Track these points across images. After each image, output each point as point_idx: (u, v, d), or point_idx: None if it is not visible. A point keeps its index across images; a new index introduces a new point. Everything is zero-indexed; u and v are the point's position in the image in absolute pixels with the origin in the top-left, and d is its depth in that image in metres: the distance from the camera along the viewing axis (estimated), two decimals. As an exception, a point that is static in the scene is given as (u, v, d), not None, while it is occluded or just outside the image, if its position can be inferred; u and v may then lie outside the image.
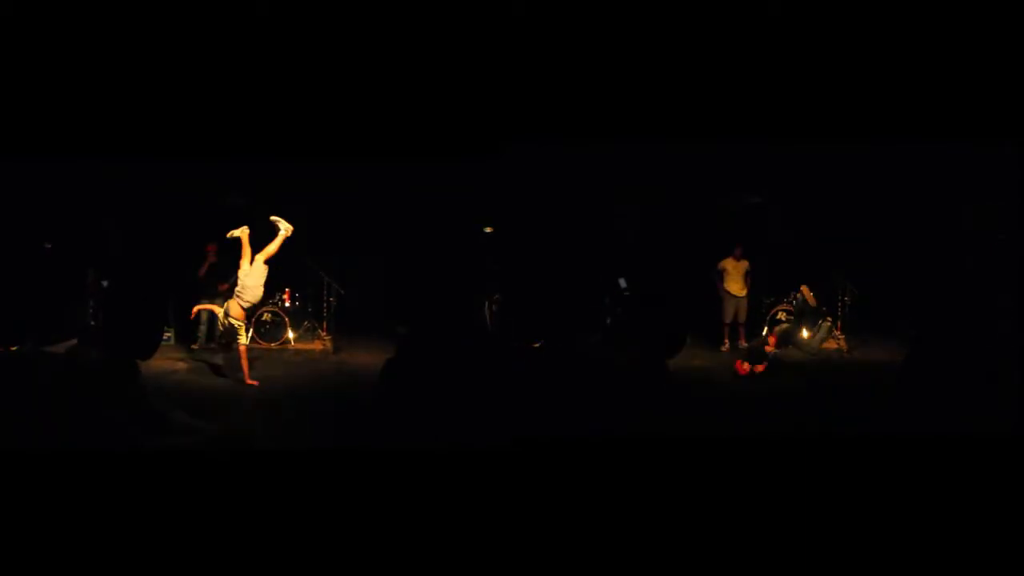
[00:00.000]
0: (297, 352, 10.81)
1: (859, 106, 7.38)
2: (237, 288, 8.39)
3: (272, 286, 9.31)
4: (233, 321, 8.37)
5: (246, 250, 8.34)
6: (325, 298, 11.34)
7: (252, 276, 8.29)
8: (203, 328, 10.45)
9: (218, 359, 9.44)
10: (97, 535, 5.39)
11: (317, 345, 11.11)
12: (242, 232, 8.40)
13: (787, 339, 8.91)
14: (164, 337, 10.61)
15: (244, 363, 8.44)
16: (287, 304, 11.30)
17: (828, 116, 7.44)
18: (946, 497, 5.59)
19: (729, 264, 10.78)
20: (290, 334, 11.08)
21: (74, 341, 10.15)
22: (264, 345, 10.96)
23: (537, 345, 9.79)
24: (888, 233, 11.20)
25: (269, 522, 5.48)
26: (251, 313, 9.03)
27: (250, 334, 10.76)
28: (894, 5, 7.01)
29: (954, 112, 7.30)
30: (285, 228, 8.32)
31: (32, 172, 9.14)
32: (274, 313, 11.09)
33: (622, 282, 10.89)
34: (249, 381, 8.41)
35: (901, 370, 8.79)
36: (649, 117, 7.45)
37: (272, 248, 8.31)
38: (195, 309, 9.31)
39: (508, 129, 7.36)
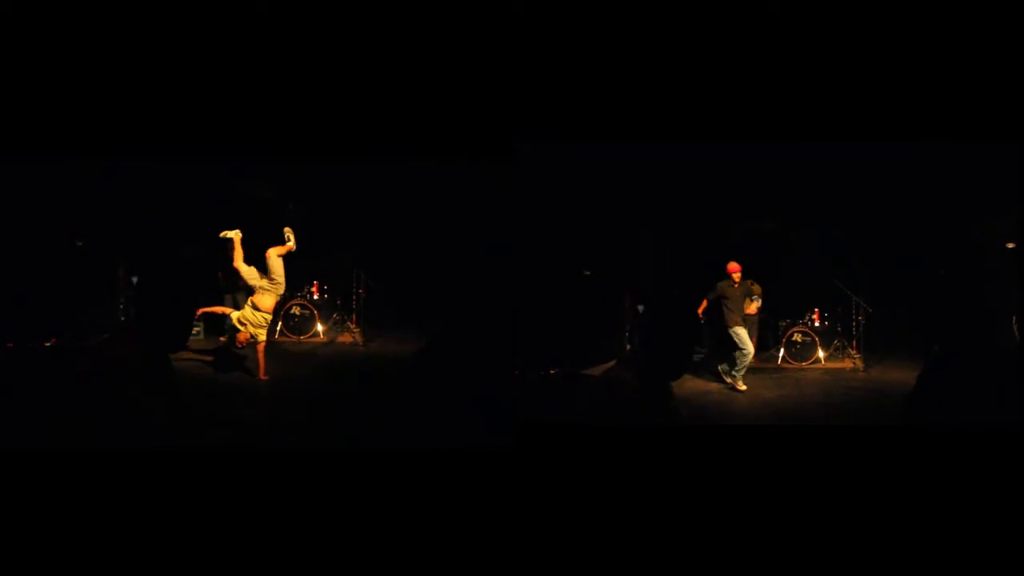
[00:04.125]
0: (326, 345, 10.83)
1: (874, 111, 7.22)
2: (266, 283, 8.57)
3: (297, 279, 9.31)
4: (265, 316, 8.58)
5: (238, 251, 8.66)
6: (354, 291, 11.33)
7: (276, 270, 8.55)
8: (229, 323, 10.46)
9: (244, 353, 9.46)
10: (117, 531, 5.40)
11: (347, 338, 11.11)
12: (235, 234, 8.75)
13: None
14: (193, 332, 10.66)
15: (262, 358, 8.68)
16: (315, 297, 11.32)
17: (838, 118, 7.28)
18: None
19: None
20: (319, 327, 11.10)
21: (106, 336, 10.31)
22: (293, 338, 10.98)
23: (553, 372, 9.76)
24: (904, 245, 11.03)
25: (274, 522, 5.48)
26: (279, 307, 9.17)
27: (279, 327, 10.90)
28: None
29: (977, 117, 7.13)
30: (292, 243, 8.68)
31: (61, 170, 9.19)
32: (303, 306, 11.12)
33: (641, 308, 10.70)
34: (263, 376, 8.66)
35: (921, 385, 8.65)
36: (663, 120, 7.34)
37: (282, 250, 8.60)
38: (199, 312, 9.46)
39: (520, 129, 7.28)
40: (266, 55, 6.87)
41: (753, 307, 9.49)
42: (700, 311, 9.69)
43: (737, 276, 9.48)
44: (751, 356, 9.27)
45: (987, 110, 6.99)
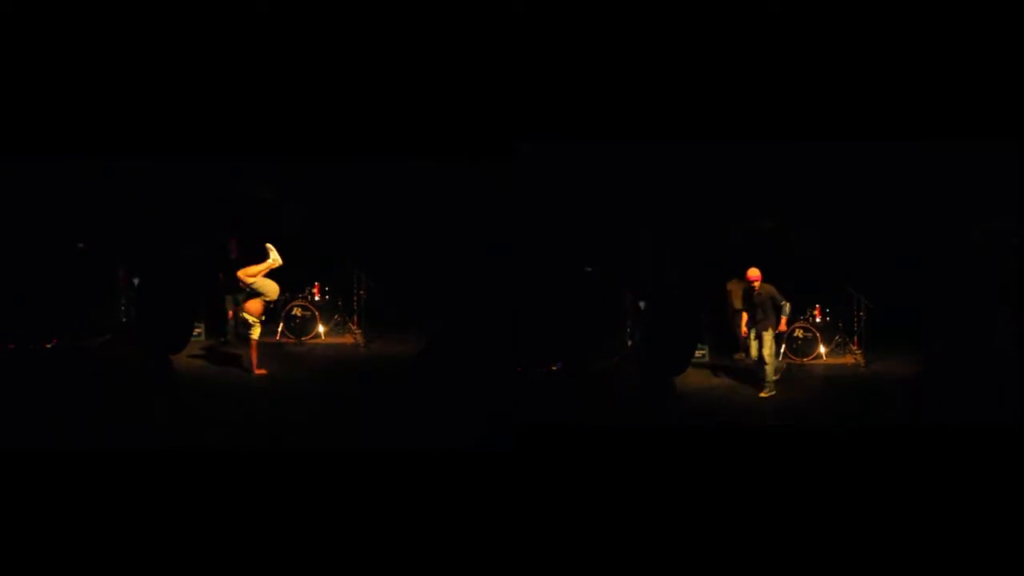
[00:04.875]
0: (327, 346, 10.83)
1: (874, 111, 7.21)
2: (257, 287, 8.83)
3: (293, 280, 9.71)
4: (248, 317, 8.86)
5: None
6: (355, 291, 11.33)
7: (262, 286, 8.83)
8: (232, 322, 10.50)
9: (246, 352, 9.50)
10: (117, 531, 5.40)
11: (348, 339, 11.11)
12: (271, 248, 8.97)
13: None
14: (194, 332, 10.66)
15: (254, 354, 8.92)
16: (316, 298, 11.31)
17: (838, 118, 7.27)
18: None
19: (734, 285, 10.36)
20: (320, 328, 11.09)
21: (106, 337, 10.31)
22: (294, 340, 10.98)
23: (555, 368, 9.74)
24: (904, 245, 10.99)
25: (274, 522, 5.48)
26: (268, 309, 9.31)
27: (280, 328, 10.91)
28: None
29: (976, 115, 7.12)
30: (274, 259, 8.89)
31: (61, 171, 9.21)
32: (304, 307, 11.13)
33: (642, 305, 10.69)
34: (257, 371, 8.85)
35: (921, 385, 8.66)
36: (663, 120, 7.34)
37: (263, 269, 8.84)
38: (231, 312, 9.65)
39: (520, 129, 7.29)
40: (266, 55, 6.87)
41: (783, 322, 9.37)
42: (743, 324, 9.34)
43: (757, 284, 9.06)
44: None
45: (987, 110, 6.99)
